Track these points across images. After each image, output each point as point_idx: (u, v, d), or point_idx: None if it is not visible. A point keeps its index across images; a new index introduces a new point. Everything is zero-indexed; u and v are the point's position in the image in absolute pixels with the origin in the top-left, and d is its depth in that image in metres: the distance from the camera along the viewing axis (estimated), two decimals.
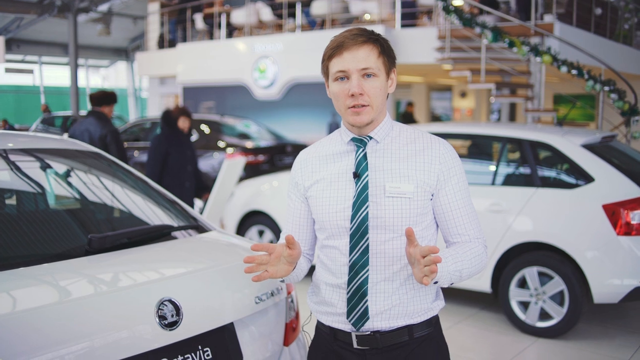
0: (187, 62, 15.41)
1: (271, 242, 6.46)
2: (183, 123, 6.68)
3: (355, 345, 1.99)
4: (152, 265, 2.44)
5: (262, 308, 2.45)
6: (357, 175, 1.95)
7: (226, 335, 2.22)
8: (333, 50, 1.93)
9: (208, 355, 2.22)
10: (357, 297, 1.94)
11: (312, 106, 13.61)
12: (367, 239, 1.92)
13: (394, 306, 1.94)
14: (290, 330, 2.62)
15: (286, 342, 2.58)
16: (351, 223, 1.93)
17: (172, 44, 16.74)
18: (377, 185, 1.94)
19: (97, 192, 3.09)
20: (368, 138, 1.99)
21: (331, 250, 2.01)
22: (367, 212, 1.91)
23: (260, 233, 6.67)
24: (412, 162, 1.96)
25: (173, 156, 6.41)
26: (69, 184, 3.10)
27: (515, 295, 5.08)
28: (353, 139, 2.00)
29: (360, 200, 1.92)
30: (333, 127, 14.35)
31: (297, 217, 2.13)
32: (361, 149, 1.98)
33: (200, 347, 2.19)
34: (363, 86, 1.90)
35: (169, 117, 6.72)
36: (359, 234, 1.92)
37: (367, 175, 1.94)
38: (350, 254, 1.94)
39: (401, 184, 1.93)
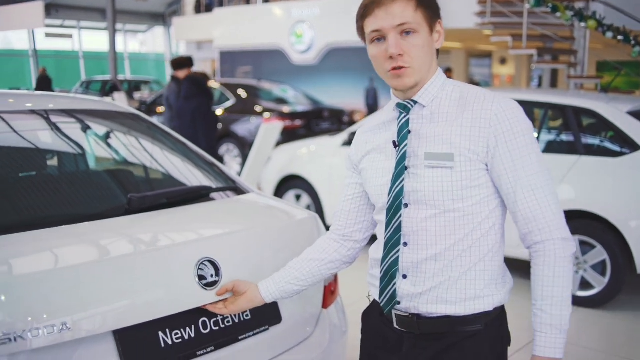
0: (224, 26, 15.37)
1: (308, 207, 6.46)
2: None
3: (394, 325, 1.85)
4: (191, 226, 2.44)
5: None
6: (396, 145, 1.78)
7: None
8: (365, 9, 1.74)
9: (247, 316, 2.22)
10: (387, 278, 1.79)
11: (349, 71, 13.50)
12: (400, 215, 1.75)
13: (434, 287, 1.75)
14: (329, 293, 2.60)
15: (325, 304, 2.57)
16: (388, 197, 1.78)
17: (208, 8, 16.71)
18: (418, 154, 1.74)
19: (136, 153, 3.10)
20: (412, 103, 1.78)
21: (380, 225, 1.87)
22: (402, 186, 1.74)
23: (298, 197, 6.67)
24: (457, 125, 1.71)
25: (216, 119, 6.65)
26: (108, 145, 3.12)
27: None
28: (397, 105, 1.81)
29: (397, 173, 1.75)
30: (370, 92, 14.22)
31: (350, 195, 2.00)
32: (403, 115, 1.79)
33: None
34: (402, 45, 1.69)
35: (205, 83, 6.86)
36: (392, 209, 1.76)
37: (406, 145, 1.75)
38: (385, 231, 1.79)
39: (441, 152, 1.71)
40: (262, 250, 2.36)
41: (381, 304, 1.83)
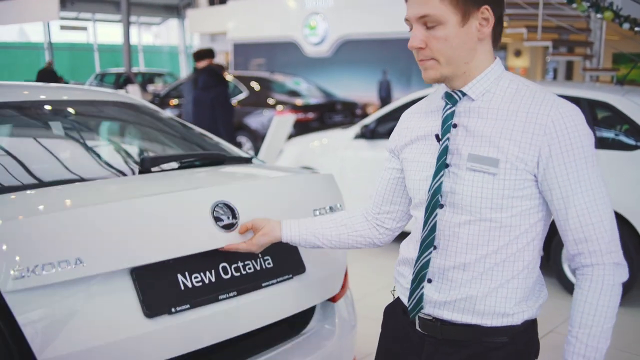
0: (238, 18, 15.37)
1: None
2: None
3: (417, 327, 1.75)
4: (204, 179, 2.41)
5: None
6: (439, 139, 1.64)
7: (287, 246, 2.09)
8: None
9: (269, 263, 2.18)
10: (417, 280, 1.69)
11: (362, 63, 13.46)
12: (436, 214, 1.63)
13: (460, 299, 1.64)
14: None
15: (334, 298, 2.56)
16: (427, 193, 1.65)
17: (222, 0, 16.70)
18: (461, 153, 1.59)
19: (146, 136, 3.12)
20: (460, 95, 1.63)
21: (414, 222, 1.77)
22: (441, 183, 1.61)
23: None
24: (507, 128, 1.54)
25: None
26: (121, 131, 3.16)
27: (567, 259, 4.96)
28: (445, 94, 1.66)
29: (437, 168, 1.62)
30: (384, 85, 14.17)
31: (385, 179, 1.88)
32: (448, 107, 1.64)
33: (260, 255, 2.14)
34: (425, 37, 1.56)
35: (222, 74, 7.02)
36: (430, 207, 1.64)
37: (448, 139, 1.61)
38: (422, 229, 1.67)
39: (486, 156, 1.56)
40: (278, 199, 2.31)
41: (408, 308, 1.73)
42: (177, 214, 2.00)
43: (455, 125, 1.62)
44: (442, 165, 1.61)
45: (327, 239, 1.93)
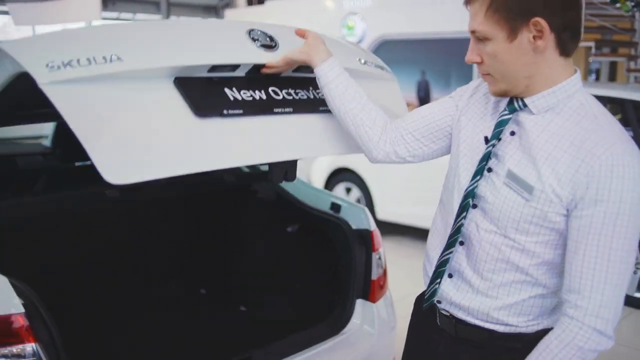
0: (276, 19, 15.42)
1: (358, 200, 6.44)
2: None
3: (437, 321, 1.75)
4: None
5: (367, 70, 2.19)
6: (487, 141, 1.59)
7: None
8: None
9: (322, 95, 1.98)
10: (436, 272, 1.70)
11: (401, 64, 13.39)
12: (464, 217, 1.61)
13: (473, 308, 1.63)
14: (378, 288, 2.59)
15: (373, 298, 2.56)
16: (464, 192, 1.62)
17: (261, 0, 16.81)
18: (504, 164, 1.54)
19: None
20: (522, 104, 1.54)
21: (440, 209, 1.77)
22: (476, 187, 1.58)
23: (348, 190, 6.65)
24: (555, 157, 1.45)
25: None
26: None
27: None
28: (509, 99, 1.58)
29: (475, 171, 1.59)
30: (422, 85, 14.09)
31: (427, 112, 1.80)
32: (506, 113, 1.56)
33: (311, 88, 2.00)
34: (480, 52, 1.53)
35: None
36: (461, 206, 1.62)
37: (492, 146, 1.56)
38: (452, 226, 1.65)
39: (523, 179, 1.49)
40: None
41: (425, 296, 1.75)
42: (213, 33, 1.90)
43: (513, 133, 1.56)
44: (481, 169, 1.58)
45: (346, 107, 1.83)
